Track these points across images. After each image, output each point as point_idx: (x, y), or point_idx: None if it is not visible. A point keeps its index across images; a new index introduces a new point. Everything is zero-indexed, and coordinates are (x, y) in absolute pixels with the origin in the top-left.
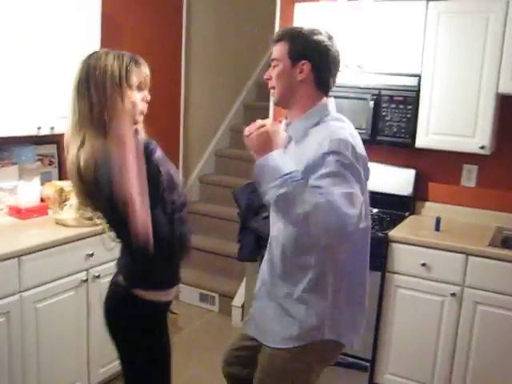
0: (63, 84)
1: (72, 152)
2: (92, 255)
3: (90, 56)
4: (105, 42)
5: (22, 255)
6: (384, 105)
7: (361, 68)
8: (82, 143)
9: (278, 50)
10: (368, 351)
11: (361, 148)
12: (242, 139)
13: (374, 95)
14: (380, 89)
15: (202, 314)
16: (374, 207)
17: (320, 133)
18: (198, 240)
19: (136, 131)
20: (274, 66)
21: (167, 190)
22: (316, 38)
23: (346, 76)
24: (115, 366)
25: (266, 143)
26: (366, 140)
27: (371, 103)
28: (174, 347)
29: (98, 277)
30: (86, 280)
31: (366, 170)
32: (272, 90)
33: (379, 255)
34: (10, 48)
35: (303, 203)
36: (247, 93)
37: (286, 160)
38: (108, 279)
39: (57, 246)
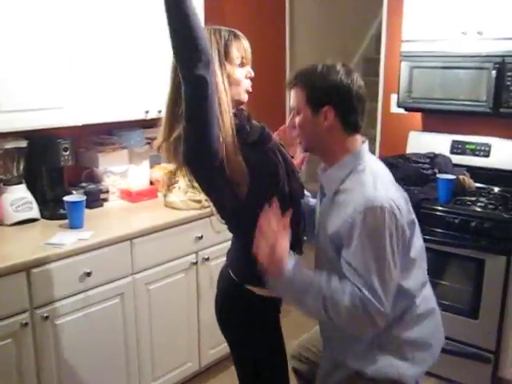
0: (169, 67)
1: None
2: (201, 238)
3: None
4: (208, 20)
5: (134, 238)
6: (508, 73)
7: (481, 34)
8: (172, 126)
9: (296, 98)
10: (491, 342)
11: (401, 206)
12: None
13: (496, 63)
14: (504, 56)
15: None
16: (497, 185)
17: (354, 191)
18: None
19: (244, 112)
20: (296, 115)
21: (285, 180)
22: (334, 78)
23: (463, 44)
24: (225, 347)
25: (278, 263)
26: (487, 113)
27: (493, 72)
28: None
29: (208, 259)
30: (196, 262)
31: (413, 227)
32: (298, 139)
33: (504, 238)
34: (119, 36)
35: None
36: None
37: (303, 274)
38: (217, 262)
39: (167, 228)
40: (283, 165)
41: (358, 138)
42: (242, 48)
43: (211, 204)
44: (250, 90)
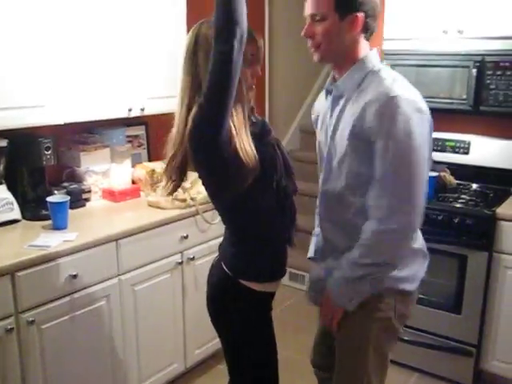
0: (153, 66)
1: (178, 119)
2: (186, 237)
3: (201, 24)
4: (190, 21)
5: (119, 238)
6: (488, 72)
7: (461, 33)
8: (190, 109)
9: (320, 3)
10: (473, 336)
11: (423, 104)
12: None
13: (476, 62)
14: (484, 55)
15: (293, 293)
16: (476, 182)
17: (370, 87)
18: None
19: (252, 110)
20: (317, 21)
21: (283, 174)
22: None
23: (444, 43)
24: (210, 346)
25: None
26: (467, 111)
27: (474, 71)
28: None
29: (193, 259)
30: (181, 262)
31: (431, 126)
32: (313, 49)
33: (485, 234)
34: (100, 33)
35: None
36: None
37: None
38: (202, 261)
39: (152, 228)
40: (281, 159)
41: (368, 44)
42: (254, 46)
43: (196, 203)
44: (254, 87)
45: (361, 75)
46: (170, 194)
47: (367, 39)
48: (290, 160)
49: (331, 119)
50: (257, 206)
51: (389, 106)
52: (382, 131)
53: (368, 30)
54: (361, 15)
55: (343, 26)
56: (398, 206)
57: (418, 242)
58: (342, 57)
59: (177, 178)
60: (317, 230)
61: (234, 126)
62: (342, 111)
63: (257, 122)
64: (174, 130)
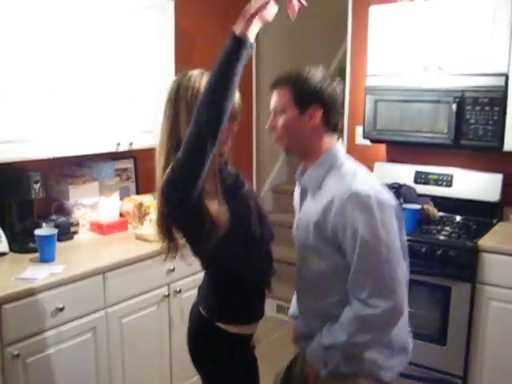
0: (141, 101)
1: (158, 170)
2: (173, 270)
3: (184, 76)
4: (179, 56)
5: (106, 271)
6: (468, 107)
7: (441, 70)
8: (167, 161)
9: (281, 98)
10: (459, 367)
11: (384, 194)
12: None
13: (456, 98)
14: (463, 90)
15: (279, 325)
16: (459, 214)
17: (334, 185)
18: (274, 250)
19: (225, 163)
20: (278, 115)
21: (257, 224)
22: (321, 78)
23: (425, 79)
24: (197, 380)
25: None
26: (448, 145)
27: (454, 106)
28: None
29: (180, 291)
30: (168, 295)
31: (399, 213)
32: (277, 142)
33: (468, 266)
34: (90, 70)
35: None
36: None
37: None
38: (189, 294)
39: (139, 261)
40: (255, 210)
41: (335, 137)
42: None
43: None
44: (230, 144)
45: (323, 171)
46: (172, 257)
47: (332, 131)
48: (264, 210)
49: (300, 211)
50: (233, 252)
51: (350, 203)
52: (347, 227)
53: (330, 123)
54: (318, 108)
55: (303, 118)
56: (378, 292)
57: (404, 338)
58: (305, 150)
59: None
60: (294, 311)
61: (205, 187)
62: (307, 205)
63: (231, 174)
64: (157, 178)
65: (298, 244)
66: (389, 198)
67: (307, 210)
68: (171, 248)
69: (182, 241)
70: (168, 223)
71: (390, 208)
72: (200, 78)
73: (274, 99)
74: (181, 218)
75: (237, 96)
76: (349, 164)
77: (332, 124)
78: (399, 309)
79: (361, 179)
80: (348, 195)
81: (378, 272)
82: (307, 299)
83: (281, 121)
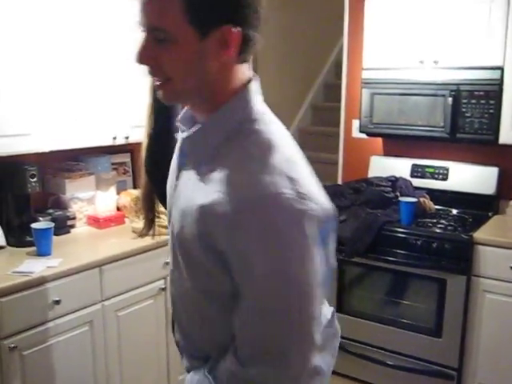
0: (137, 94)
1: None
2: (169, 263)
3: None
4: None
5: (102, 265)
6: (463, 100)
7: (437, 63)
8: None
9: (167, 10)
10: (454, 359)
11: (308, 180)
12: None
13: (452, 91)
14: (459, 84)
15: None
16: (455, 207)
17: (233, 170)
18: None
19: None
20: (160, 41)
21: None
22: None
23: (420, 73)
24: None
25: None
26: (445, 138)
27: (450, 99)
28: None
29: None
30: (164, 288)
31: (334, 223)
32: (157, 83)
33: (464, 258)
34: (86, 63)
35: None
36: (315, 94)
37: None
38: None
39: (135, 255)
40: None
41: (247, 67)
42: None
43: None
44: None
45: (221, 135)
46: (146, 233)
47: (243, 61)
48: None
49: (175, 189)
50: None
51: (248, 214)
52: (239, 254)
53: (246, 50)
54: (231, 28)
55: (206, 47)
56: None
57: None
58: (201, 97)
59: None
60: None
61: None
62: (187, 186)
63: None
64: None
65: (171, 242)
66: (319, 196)
67: (187, 195)
68: (150, 222)
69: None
70: (152, 197)
71: (316, 216)
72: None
73: (153, 12)
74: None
75: None
76: (263, 126)
77: (249, 50)
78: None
79: (281, 158)
80: (248, 202)
81: (282, 312)
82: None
83: (167, 53)
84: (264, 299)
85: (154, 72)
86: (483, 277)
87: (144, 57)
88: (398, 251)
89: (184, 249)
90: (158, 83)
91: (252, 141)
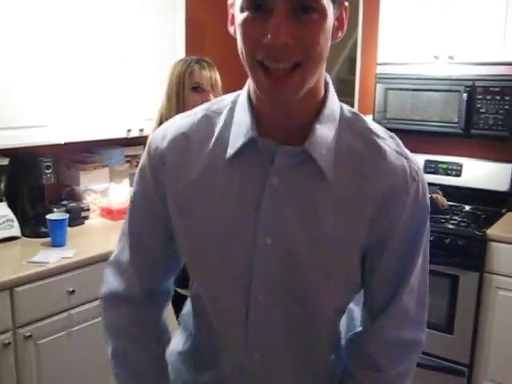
0: (152, 88)
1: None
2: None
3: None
4: (189, 44)
5: None
6: (478, 96)
7: (452, 58)
8: None
9: None
10: (465, 355)
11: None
12: None
13: (467, 87)
14: (474, 80)
15: None
16: (468, 203)
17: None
18: None
19: None
20: (306, 11)
21: None
22: None
23: (436, 68)
24: None
25: None
26: (459, 134)
27: (464, 95)
28: None
29: None
30: None
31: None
32: (281, 69)
33: (476, 255)
34: (101, 56)
35: None
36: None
37: None
38: None
39: None
40: None
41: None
42: (201, 76)
43: None
44: None
45: (333, 128)
46: None
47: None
48: None
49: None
50: None
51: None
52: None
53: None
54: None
55: (330, 23)
56: None
57: None
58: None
59: None
60: None
61: None
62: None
63: None
64: None
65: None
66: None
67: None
68: None
69: None
70: None
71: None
72: (180, 61)
73: None
74: None
75: (208, 72)
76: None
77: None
78: None
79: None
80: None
81: None
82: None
83: (312, 28)
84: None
85: (284, 54)
86: (496, 273)
87: (283, 33)
88: None
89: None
90: (276, 73)
91: (369, 126)
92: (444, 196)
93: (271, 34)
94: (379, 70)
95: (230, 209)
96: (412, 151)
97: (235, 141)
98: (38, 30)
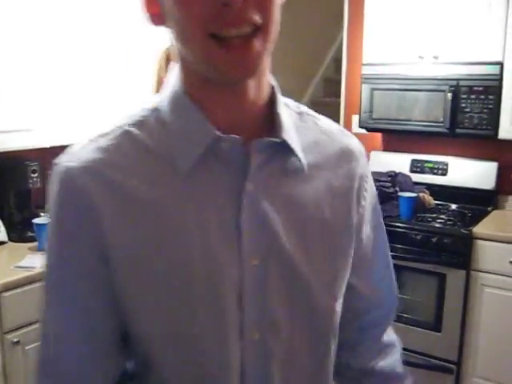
0: (137, 89)
1: None
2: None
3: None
4: None
5: None
6: (463, 96)
7: (437, 58)
8: None
9: None
10: (453, 353)
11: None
12: None
13: (451, 86)
14: (458, 79)
15: None
16: (454, 202)
17: (326, 142)
18: None
19: None
20: None
21: None
22: None
23: (421, 68)
24: None
25: None
26: (444, 133)
27: (449, 95)
28: None
29: None
30: None
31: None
32: (242, 34)
33: (463, 253)
34: (87, 58)
35: None
36: (314, 89)
37: None
38: None
39: None
40: None
41: None
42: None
43: None
44: None
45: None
46: None
47: None
48: None
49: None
50: None
51: None
52: None
53: None
54: None
55: None
56: None
57: None
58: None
59: None
60: None
61: None
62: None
63: None
64: None
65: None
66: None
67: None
68: None
69: None
70: None
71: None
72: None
73: None
74: None
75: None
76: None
77: None
78: None
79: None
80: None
81: None
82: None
83: None
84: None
85: (245, 14)
86: (482, 271)
87: None
88: (398, 246)
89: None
90: (236, 42)
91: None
92: (430, 195)
93: None
94: (365, 70)
95: (202, 237)
96: (398, 150)
97: (188, 151)
98: (24, 35)
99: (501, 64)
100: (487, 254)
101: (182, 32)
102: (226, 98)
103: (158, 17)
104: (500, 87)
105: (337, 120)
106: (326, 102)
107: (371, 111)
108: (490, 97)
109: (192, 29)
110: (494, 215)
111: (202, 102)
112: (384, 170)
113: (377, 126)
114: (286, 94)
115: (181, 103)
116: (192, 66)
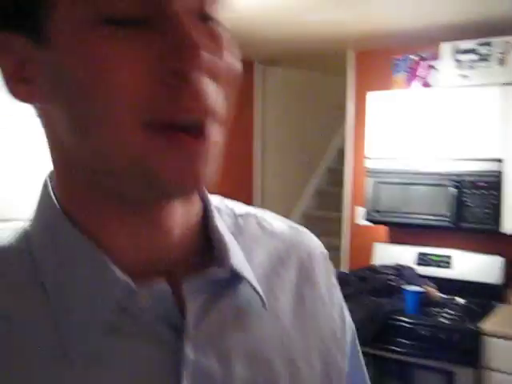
0: None
1: None
2: None
3: None
4: None
5: None
6: (466, 191)
7: (438, 155)
8: None
9: None
10: None
11: None
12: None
13: (455, 182)
14: (461, 175)
15: None
16: (460, 296)
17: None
18: None
19: None
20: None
21: None
22: None
23: (424, 163)
24: None
25: None
26: (450, 228)
27: (453, 190)
28: None
29: None
30: None
31: None
32: (214, 117)
33: (471, 350)
34: None
35: None
36: (319, 178)
37: None
38: None
39: None
40: None
41: None
42: None
43: None
44: None
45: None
46: None
47: None
48: None
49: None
50: None
51: None
52: None
53: None
54: None
55: None
56: None
57: None
58: None
59: None
60: None
61: None
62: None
63: None
64: None
65: None
66: None
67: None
68: None
69: None
70: None
71: None
72: None
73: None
74: None
75: None
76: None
77: None
78: None
79: None
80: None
81: None
82: None
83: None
84: None
85: (211, 94)
86: (492, 369)
87: (206, 60)
88: (403, 341)
89: None
90: (194, 132)
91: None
92: (436, 288)
93: (188, 44)
94: (368, 164)
95: None
96: (402, 243)
97: (83, 324)
98: None
99: (501, 160)
100: (497, 351)
101: (91, 117)
102: (142, 220)
103: (29, 92)
104: (501, 183)
105: (339, 209)
106: (330, 192)
107: (376, 204)
108: (492, 192)
109: (118, 114)
110: (502, 310)
111: (96, 227)
112: (388, 261)
113: (383, 218)
114: (289, 184)
115: (66, 233)
116: (88, 173)
